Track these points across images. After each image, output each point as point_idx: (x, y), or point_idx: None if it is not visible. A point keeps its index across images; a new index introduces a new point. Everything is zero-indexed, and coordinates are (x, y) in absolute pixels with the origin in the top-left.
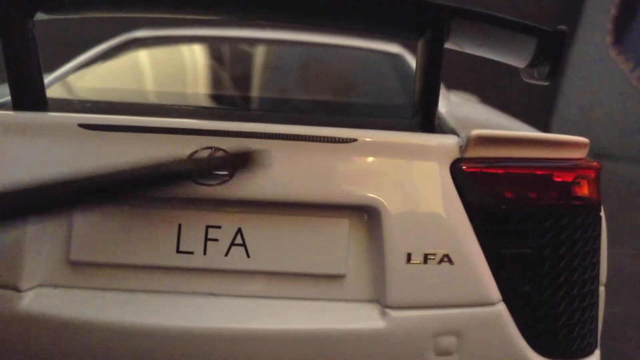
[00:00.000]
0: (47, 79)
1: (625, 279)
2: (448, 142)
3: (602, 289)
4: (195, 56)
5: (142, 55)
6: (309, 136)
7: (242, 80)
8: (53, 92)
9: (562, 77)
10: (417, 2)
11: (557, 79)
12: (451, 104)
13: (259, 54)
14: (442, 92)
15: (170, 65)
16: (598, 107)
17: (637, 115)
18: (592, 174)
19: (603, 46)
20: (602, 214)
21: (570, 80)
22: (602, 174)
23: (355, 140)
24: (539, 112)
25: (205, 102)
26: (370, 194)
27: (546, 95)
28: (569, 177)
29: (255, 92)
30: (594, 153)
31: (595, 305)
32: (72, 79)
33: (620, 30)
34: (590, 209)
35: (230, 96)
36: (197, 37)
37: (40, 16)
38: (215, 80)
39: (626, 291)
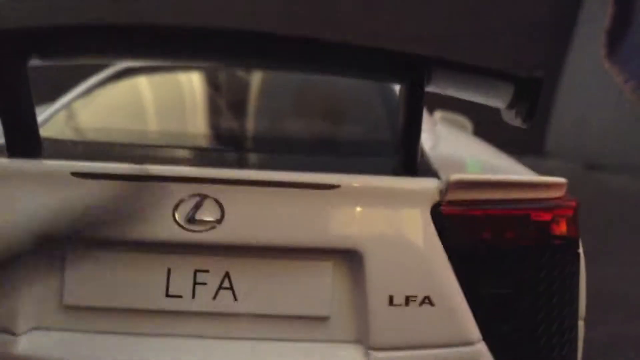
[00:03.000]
0: (41, 114)
1: (610, 300)
2: (429, 186)
3: (581, 323)
4: (183, 87)
5: (135, 88)
6: (293, 183)
7: (236, 117)
8: (47, 130)
9: (557, 89)
10: (395, 52)
11: (534, 122)
12: (437, 137)
13: (249, 83)
14: (428, 122)
15: (164, 98)
16: (592, 119)
17: (631, 126)
18: (570, 212)
19: (597, 58)
20: (581, 250)
21: (564, 91)
22: (595, 185)
23: (338, 186)
24: (533, 124)
25: (188, 144)
26: (353, 238)
27: (541, 107)
28: (547, 217)
29: (247, 128)
30: (588, 165)
31: (574, 339)
32: (66, 115)
33: (614, 42)
34: (568, 246)
35: (227, 135)
36: (188, 66)
37: (34, 62)
38: (201, 121)
39: (610, 312)
